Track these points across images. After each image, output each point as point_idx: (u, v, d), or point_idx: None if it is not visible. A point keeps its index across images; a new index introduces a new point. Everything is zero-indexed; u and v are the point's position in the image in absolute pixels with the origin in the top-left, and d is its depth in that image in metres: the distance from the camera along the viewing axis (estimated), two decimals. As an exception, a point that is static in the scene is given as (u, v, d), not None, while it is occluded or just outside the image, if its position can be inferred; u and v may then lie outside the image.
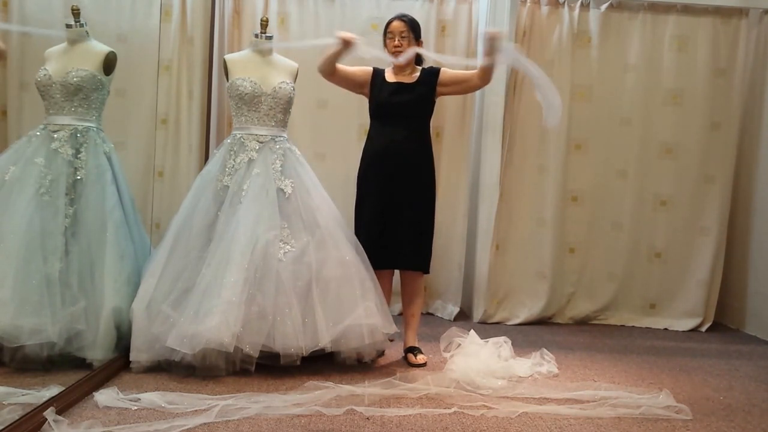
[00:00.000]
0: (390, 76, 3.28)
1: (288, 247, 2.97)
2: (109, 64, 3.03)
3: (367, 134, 3.37)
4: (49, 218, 2.77)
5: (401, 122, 3.23)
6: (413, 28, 3.21)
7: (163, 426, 2.27)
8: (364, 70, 3.31)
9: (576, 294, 4.38)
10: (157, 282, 2.90)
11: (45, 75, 2.90)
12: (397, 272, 3.41)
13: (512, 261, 4.31)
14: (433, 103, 3.29)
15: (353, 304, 2.94)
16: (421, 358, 3.18)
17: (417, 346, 3.27)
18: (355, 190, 3.33)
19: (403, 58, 3.17)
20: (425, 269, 3.29)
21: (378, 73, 3.30)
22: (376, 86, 3.27)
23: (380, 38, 3.97)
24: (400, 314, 3.74)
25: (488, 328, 4.06)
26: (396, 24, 3.20)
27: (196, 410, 2.42)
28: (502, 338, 3.31)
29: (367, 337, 2.92)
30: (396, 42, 3.19)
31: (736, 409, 2.77)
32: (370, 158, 3.28)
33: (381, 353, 3.19)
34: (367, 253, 3.14)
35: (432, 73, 3.27)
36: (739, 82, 4.26)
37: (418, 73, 3.28)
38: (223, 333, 2.72)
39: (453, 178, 4.27)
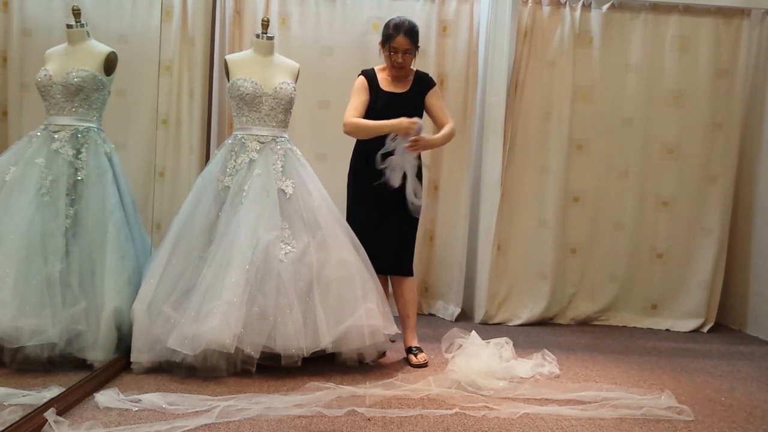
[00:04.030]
0: (384, 83, 3.27)
1: (289, 247, 2.97)
2: (109, 65, 3.02)
3: None
4: (49, 219, 2.77)
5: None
6: (416, 42, 3.19)
7: (163, 427, 2.27)
8: (364, 87, 3.25)
9: (577, 295, 4.37)
10: (158, 283, 2.89)
11: (45, 75, 2.89)
12: None
13: (513, 262, 4.30)
14: (423, 110, 3.30)
15: (354, 304, 2.94)
16: (421, 358, 3.18)
17: (416, 345, 3.27)
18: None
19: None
20: (407, 273, 3.30)
21: (371, 79, 3.27)
22: (371, 93, 3.25)
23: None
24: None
25: (489, 328, 4.05)
26: (401, 40, 3.14)
27: (197, 411, 2.42)
28: (504, 339, 3.31)
29: (368, 338, 2.92)
30: (400, 59, 3.17)
31: (737, 410, 2.77)
32: (358, 162, 3.30)
33: (382, 354, 3.19)
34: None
35: (425, 84, 3.28)
36: (741, 82, 4.26)
37: (412, 77, 3.27)
38: (224, 334, 2.72)
39: (454, 179, 4.27)
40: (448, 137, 3.24)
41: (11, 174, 2.78)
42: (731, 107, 4.26)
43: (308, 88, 3.94)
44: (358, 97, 3.24)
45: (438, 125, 3.28)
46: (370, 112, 3.23)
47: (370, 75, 3.29)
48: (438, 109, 3.29)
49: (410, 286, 3.31)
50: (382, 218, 3.23)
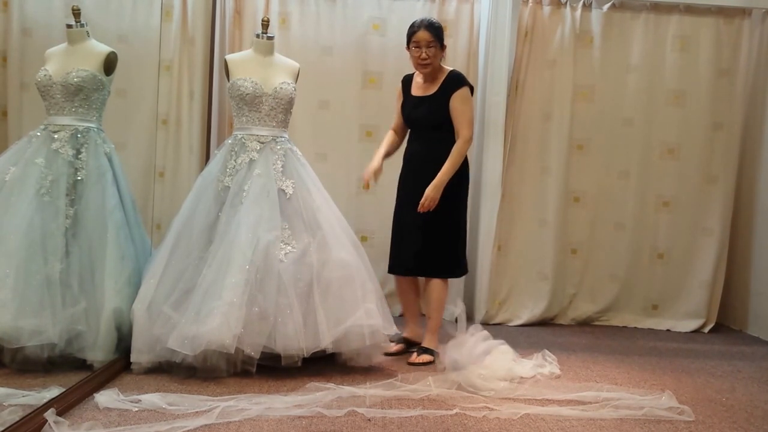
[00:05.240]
0: (415, 87, 3.31)
1: (289, 247, 2.96)
2: (109, 65, 3.02)
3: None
4: (49, 219, 2.76)
5: (421, 133, 3.29)
6: (438, 36, 3.17)
7: (163, 427, 2.26)
8: (398, 94, 3.39)
9: (578, 295, 4.37)
10: (158, 283, 2.89)
11: (45, 75, 2.89)
12: None
13: (514, 262, 4.30)
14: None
15: (354, 305, 2.93)
16: (421, 358, 3.18)
17: (426, 346, 3.26)
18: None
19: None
20: (428, 275, 3.29)
21: (406, 84, 3.35)
22: (404, 98, 3.34)
23: (382, 40, 3.98)
24: (401, 315, 3.74)
25: (490, 329, 4.02)
26: (422, 34, 3.15)
27: (197, 411, 2.41)
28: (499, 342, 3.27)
29: (368, 338, 2.91)
30: (423, 54, 3.16)
31: (738, 411, 2.76)
32: (403, 163, 3.38)
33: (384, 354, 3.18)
34: (390, 256, 3.33)
35: (452, 85, 3.21)
36: (742, 82, 4.25)
37: (442, 80, 3.24)
38: (224, 334, 2.71)
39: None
40: (455, 160, 3.16)
41: (11, 174, 2.78)
42: (732, 107, 4.26)
43: (308, 88, 3.93)
44: (396, 104, 3.42)
45: (458, 128, 3.20)
46: (403, 114, 3.36)
47: (405, 80, 3.39)
48: (456, 115, 3.19)
49: (435, 287, 3.28)
50: (411, 218, 3.24)
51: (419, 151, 3.29)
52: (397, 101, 3.40)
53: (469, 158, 4.20)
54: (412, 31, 3.19)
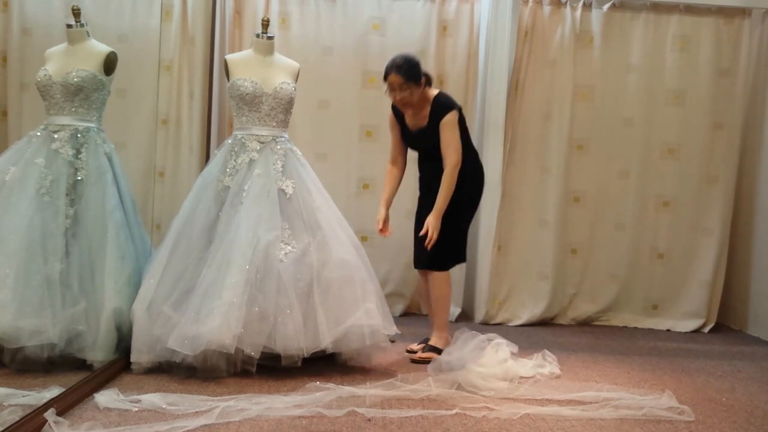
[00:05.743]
0: (408, 118, 3.28)
1: (289, 247, 2.96)
2: (109, 64, 3.02)
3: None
4: (49, 219, 2.76)
5: (426, 157, 3.31)
6: (411, 76, 3.10)
7: (163, 427, 2.26)
8: (392, 123, 3.37)
9: (578, 295, 4.37)
10: (158, 283, 2.89)
11: (45, 75, 2.89)
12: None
13: (514, 262, 4.30)
14: None
15: (354, 305, 2.93)
16: (426, 355, 3.18)
17: (432, 344, 3.27)
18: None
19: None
20: (430, 267, 3.28)
21: (398, 114, 3.33)
22: (401, 126, 3.34)
23: (382, 40, 3.99)
24: (401, 315, 3.75)
25: (490, 329, 4.04)
26: (392, 78, 3.11)
27: (196, 411, 2.41)
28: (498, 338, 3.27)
29: (368, 338, 2.91)
30: (398, 97, 3.15)
31: (738, 411, 2.76)
32: (418, 169, 3.43)
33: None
34: None
35: (438, 116, 3.17)
36: (742, 82, 4.25)
37: (429, 109, 3.20)
38: (224, 334, 2.71)
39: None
40: (448, 187, 3.14)
41: (11, 174, 2.78)
42: (732, 107, 4.26)
43: (308, 88, 3.94)
44: (391, 134, 3.42)
45: (445, 154, 3.17)
46: (406, 144, 3.37)
47: (396, 110, 3.33)
48: (443, 143, 3.17)
49: (435, 281, 3.27)
50: (421, 214, 3.27)
51: (428, 170, 3.30)
52: (391, 130, 3.38)
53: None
54: (385, 72, 3.15)
